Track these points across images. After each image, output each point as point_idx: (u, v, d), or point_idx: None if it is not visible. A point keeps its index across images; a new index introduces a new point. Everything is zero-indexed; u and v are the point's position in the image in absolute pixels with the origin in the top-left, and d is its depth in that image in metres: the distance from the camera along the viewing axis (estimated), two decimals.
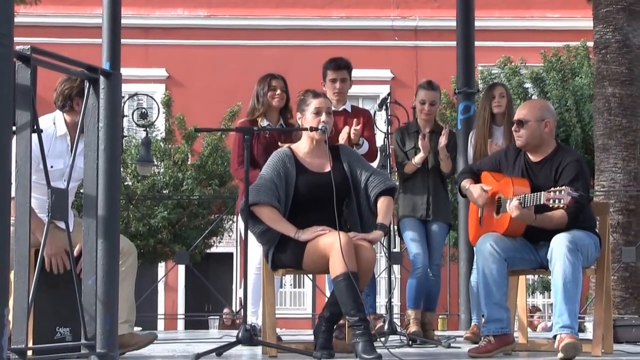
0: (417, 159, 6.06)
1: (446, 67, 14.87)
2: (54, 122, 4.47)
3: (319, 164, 4.84)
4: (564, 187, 4.55)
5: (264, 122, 5.89)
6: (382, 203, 4.79)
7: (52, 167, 2.86)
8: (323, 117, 4.83)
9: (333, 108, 6.01)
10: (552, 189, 4.59)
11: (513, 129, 4.96)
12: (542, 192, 4.61)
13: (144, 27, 21.55)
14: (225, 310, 15.30)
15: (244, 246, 5.00)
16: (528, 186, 4.80)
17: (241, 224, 5.05)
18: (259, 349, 5.02)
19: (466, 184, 5.10)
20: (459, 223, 8.53)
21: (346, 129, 5.83)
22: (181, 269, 19.53)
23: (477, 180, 5.11)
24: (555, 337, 4.61)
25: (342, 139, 5.77)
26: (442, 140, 6.00)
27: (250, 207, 4.69)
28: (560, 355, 4.51)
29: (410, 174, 6.18)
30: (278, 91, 5.87)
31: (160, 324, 18.33)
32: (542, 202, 4.59)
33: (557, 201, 4.53)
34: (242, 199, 4.86)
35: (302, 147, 4.93)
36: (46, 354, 3.56)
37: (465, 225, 7.85)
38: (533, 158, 4.95)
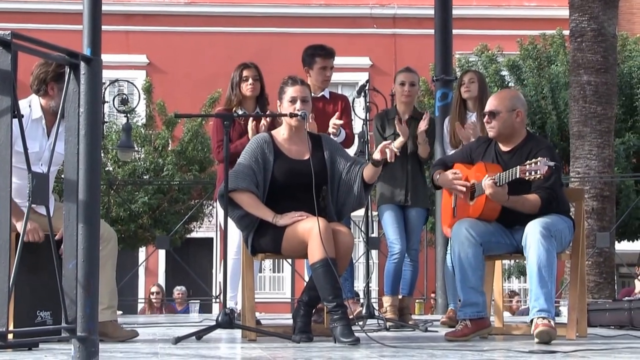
0: (397, 144, 6.11)
1: (424, 54, 14.95)
2: (29, 106, 4.49)
3: (297, 151, 4.88)
4: (540, 158, 4.60)
5: (239, 111, 5.92)
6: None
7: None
8: (297, 105, 4.86)
9: (312, 94, 6.07)
10: (528, 161, 4.62)
11: (485, 120, 4.99)
12: (517, 166, 4.64)
13: (125, 14, 21.48)
14: (154, 289, 13.96)
15: (223, 231, 5.04)
16: (501, 171, 4.85)
17: (220, 210, 5.10)
18: (238, 333, 5.07)
19: (436, 175, 5.15)
20: (436, 208, 8.61)
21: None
22: (161, 253, 19.58)
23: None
24: (532, 321, 4.68)
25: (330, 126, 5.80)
26: (422, 125, 6.06)
27: (229, 193, 4.74)
28: (536, 340, 4.59)
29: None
30: (250, 81, 5.88)
31: (141, 308, 18.34)
32: (518, 176, 4.61)
33: (532, 172, 4.57)
34: (221, 185, 4.90)
35: (281, 133, 4.97)
36: (27, 337, 3.60)
37: None
38: (504, 147, 5.00)
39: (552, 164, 4.57)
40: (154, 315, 10.93)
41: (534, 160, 4.60)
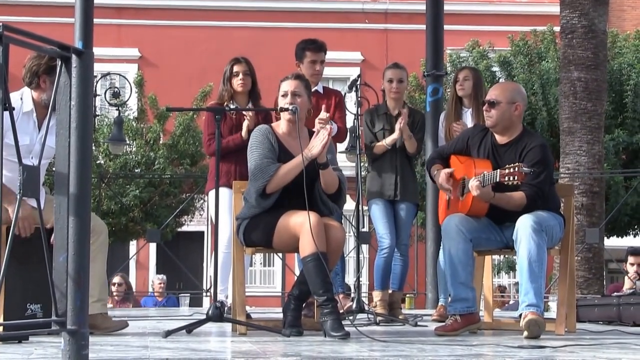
0: (389, 140, 6.14)
1: (416, 50, 14.95)
2: (21, 98, 4.50)
3: (296, 146, 4.87)
4: (518, 164, 4.64)
5: (231, 106, 5.92)
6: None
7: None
8: (287, 99, 4.89)
9: None
10: (507, 166, 4.68)
11: (484, 108, 5.01)
12: (498, 170, 4.69)
13: (116, 7, 21.44)
14: (117, 280, 11.42)
15: (214, 225, 5.04)
16: (490, 167, 4.86)
17: (212, 203, 5.10)
18: (228, 327, 5.09)
19: (434, 170, 5.17)
20: (427, 203, 8.62)
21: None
22: (152, 247, 19.59)
23: (446, 164, 5.19)
24: (521, 315, 4.71)
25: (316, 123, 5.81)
26: (401, 120, 6.09)
27: (267, 187, 4.74)
28: (525, 333, 4.62)
29: (379, 155, 6.26)
30: (240, 76, 5.88)
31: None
32: (497, 180, 4.67)
33: (511, 177, 4.62)
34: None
35: (280, 127, 4.99)
36: (17, 330, 3.60)
37: (433, 206, 7.95)
38: (499, 140, 5.02)
39: (528, 170, 4.62)
40: (143, 308, 10.89)
41: (513, 164, 4.64)
